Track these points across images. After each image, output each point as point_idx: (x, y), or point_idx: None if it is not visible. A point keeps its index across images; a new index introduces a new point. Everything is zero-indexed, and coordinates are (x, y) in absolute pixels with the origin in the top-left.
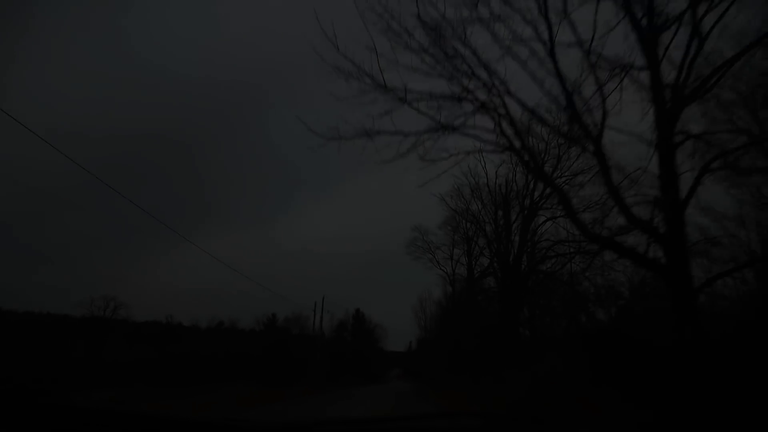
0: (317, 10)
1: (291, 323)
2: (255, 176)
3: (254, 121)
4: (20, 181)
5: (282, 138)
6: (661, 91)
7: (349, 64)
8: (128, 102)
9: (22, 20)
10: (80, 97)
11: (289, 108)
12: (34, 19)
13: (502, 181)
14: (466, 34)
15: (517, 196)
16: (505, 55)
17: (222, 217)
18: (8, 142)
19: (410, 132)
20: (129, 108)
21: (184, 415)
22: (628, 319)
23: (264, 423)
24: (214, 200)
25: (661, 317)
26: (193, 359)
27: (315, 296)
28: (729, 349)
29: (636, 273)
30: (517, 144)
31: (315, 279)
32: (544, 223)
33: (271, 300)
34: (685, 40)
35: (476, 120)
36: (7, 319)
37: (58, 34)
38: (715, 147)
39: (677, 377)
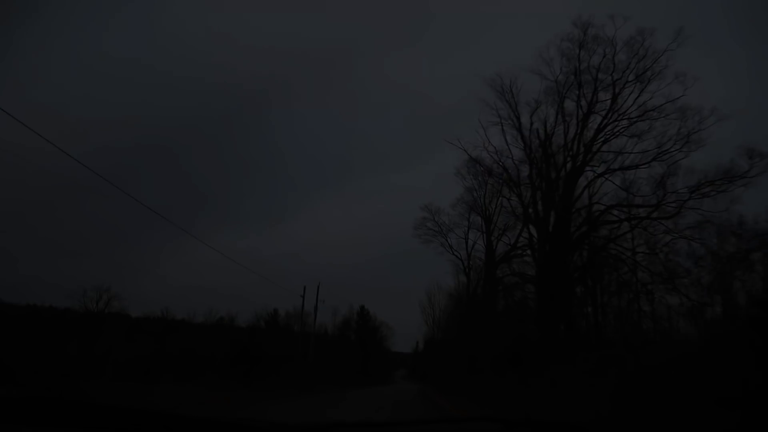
0: None
1: (292, 319)
2: (258, 176)
3: (259, 121)
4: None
5: (285, 138)
6: None
7: None
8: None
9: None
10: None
11: (293, 109)
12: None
13: (540, 125)
14: None
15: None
16: None
17: (226, 217)
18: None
19: None
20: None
21: (198, 414)
22: None
23: (279, 424)
24: (218, 200)
25: None
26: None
27: (321, 295)
28: None
29: None
30: None
31: (320, 279)
32: (598, 177)
33: (274, 297)
34: None
35: None
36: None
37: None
38: None
39: None
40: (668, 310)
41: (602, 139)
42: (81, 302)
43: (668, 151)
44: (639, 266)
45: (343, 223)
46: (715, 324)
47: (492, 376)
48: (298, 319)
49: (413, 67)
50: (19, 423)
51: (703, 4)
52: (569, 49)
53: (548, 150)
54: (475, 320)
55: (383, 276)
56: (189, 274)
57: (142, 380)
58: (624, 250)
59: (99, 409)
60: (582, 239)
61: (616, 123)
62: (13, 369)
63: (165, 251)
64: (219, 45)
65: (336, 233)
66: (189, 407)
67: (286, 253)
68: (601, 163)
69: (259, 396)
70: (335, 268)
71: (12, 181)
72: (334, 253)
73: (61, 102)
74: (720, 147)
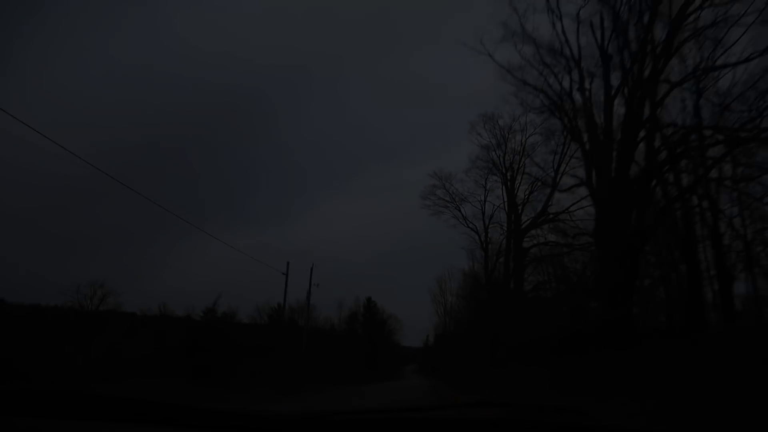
0: None
1: (297, 313)
2: (267, 175)
3: (265, 123)
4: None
5: (293, 136)
6: None
7: None
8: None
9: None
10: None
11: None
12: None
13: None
14: None
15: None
16: None
17: (234, 216)
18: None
19: None
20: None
21: (203, 406)
22: None
23: (284, 413)
24: (226, 199)
25: None
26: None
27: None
28: None
29: None
30: None
31: (326, 277)
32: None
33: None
34: None
35: None
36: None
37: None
38: None
39: None
40: None
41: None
42: (75, 299)
43: None
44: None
45: (352, 220)
46: None
47: (522, 367)
48: (302, 313)
49: (423, 60)
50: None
51: None
52: None
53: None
54: (497, 302)
55: (393, 272)
56: (196, 272)
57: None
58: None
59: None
60: (664, 167)
61: None
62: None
63: (176, 250)
64: (224, 44)
65: (345, 230)
66: None
67: (296, 250)
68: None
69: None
70: (344, 263)
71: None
72: (344, 249)
73: (68, 102)
74: None
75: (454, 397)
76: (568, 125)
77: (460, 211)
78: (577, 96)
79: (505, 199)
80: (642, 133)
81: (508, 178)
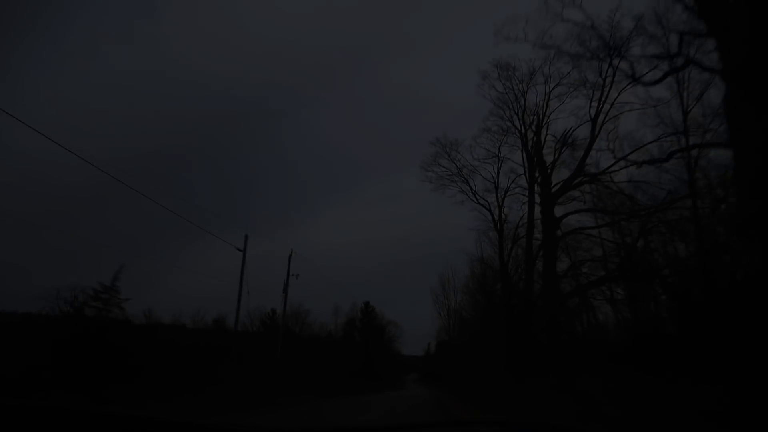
0: None
1: (290, 320)
2: (268, 184)
3: (267, 127)
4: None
5: (294, 144)
6: None
7: None
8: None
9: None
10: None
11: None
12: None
13: None
14: None
15: None
16: None
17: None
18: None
19: None
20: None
21: (195, 420)
22: None
23: (275, 429)
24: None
25: None
26: None
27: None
28: None
29: None
30: None
31: (328, 282)
32: None
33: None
34: None
35: None
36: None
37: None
38: None
39: None
40: None
41: None
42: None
43: None
44: None
45: (353, 228)
46: None
47: (552, 380)
48: (296, 319)
49: (421, 69)
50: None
51: None
52: None
53: None
54: (515, 293)
55: (393, 281)
56: (199, 280)
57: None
58: None
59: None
60: None
61: None
62: None
63: (175, 255)
64: (224, 52)
65: (346, 238)
66: None
67: (297, 256)
68: None
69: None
70: (343, 270)
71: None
72: (344, 257)
73: (68, 109)
74: None
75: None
76: None
77: (468, 184)
78: None
79: (525, 164)
80: None
81: (529, 138)
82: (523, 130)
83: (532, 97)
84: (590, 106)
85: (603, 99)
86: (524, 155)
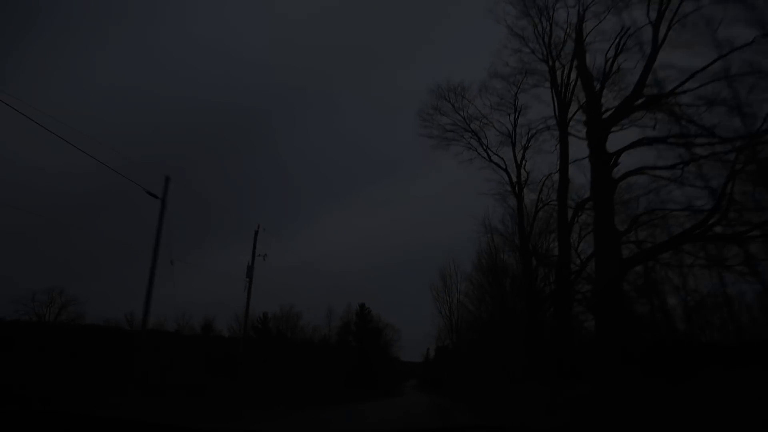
0: None
1: (281, 322)
2: (266, 192)
3: (266, 136)
4: None
5: (291, 151)
6: None
7: None
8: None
9: None
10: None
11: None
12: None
13: None
14: None
15: None
16: None
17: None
18: None
19: None
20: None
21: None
22: None
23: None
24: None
25: None
26: None
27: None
28: None
29: None
30: None
31: (326, 287)
32: None
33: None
34: None
35: None
36: None
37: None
38: None
39: None
40: None
41: None
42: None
43: None
44: None
45: (350, 233)
46: None
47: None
48: (287, 322)
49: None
50: None
51: None
52: None
53: None
54: (542, 272)
55: (391, 287)
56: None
57: None
58: None
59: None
60: None
61: None
62: None
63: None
64: (221, 61)
65: (343, 243)
66: None
67: (293, 266)
68: None
69: None
70: (339, 276)
71: None
72: (340, 262)
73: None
74: None
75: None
76: None
77: (478, 139)
78: None
79: (555, 101)
80: None
81: (557, 68)
82: (550, 62)
83: (562, 15)
84: (649, 8)
85: None
86: (553, 93)
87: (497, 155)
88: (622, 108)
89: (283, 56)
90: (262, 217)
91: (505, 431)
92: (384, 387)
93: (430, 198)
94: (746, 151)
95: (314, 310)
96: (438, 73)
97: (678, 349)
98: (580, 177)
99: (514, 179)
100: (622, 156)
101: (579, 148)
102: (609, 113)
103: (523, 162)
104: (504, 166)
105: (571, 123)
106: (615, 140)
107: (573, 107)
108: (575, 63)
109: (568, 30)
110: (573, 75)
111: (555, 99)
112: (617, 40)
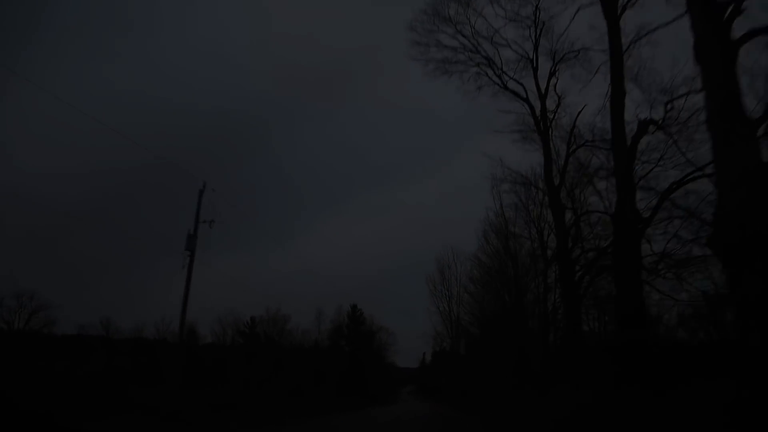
0: None
1: (267, 325)
2: (261, 200)
3: (261, 144)
4: None
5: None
6: None
7: None
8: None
9: None
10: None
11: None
12: None
13: None
14: None
15: None
16: None
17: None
18: None
19: None
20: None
21: None
22: None
23: None
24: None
25: None
26: None
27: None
28: None
29: None
30: None
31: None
32: None
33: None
34: None
35: None
36: None
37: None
38: None
39: None
40: None
41: None
42: None
43: None
44: None
45: (345, 241)
46: None
47: None
48: (275, 326)
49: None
50: None
51: None
52: None
53: None
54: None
55: (388, 294)
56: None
57: None
58: None
59: None
60: None
61: None
62: None
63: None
64: (218, 69)
65: (339, 250)
66: None
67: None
68: None
69: None
70: (335, 282)
71: None
72: (336, 270)
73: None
74: None
75: None
76: None
77: (488, 62)
78: None
79: None
80: None
81: None
82: None
83: None
84: None
85: None
86: None
87: (515, 80)
88: None
89: (283, 56)
90: (261, 218)
91: None
92: (377, 394)
93: (426, 205)
94: None
95: (306, 314)
96: None
97: None
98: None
99: (538, 112)
100: None
101: None
102: None
103: (550, 90)
104: (524, 95)
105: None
106: None
107: None
108: None
109: None
110: None
111: None
112: None
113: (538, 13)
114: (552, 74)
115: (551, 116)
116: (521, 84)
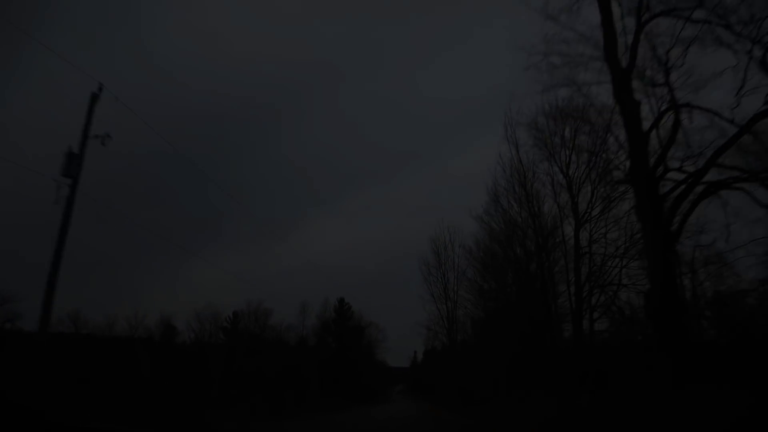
0: None
1: (248, 319)
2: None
3: (265, 133)
4: None
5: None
6: None
7: None
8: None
9: None
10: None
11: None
12: None
13: None
14: None
15: None
16: None
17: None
18: None
19: None
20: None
21: None
22: None
23: None
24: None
25: None
26: None
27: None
28: None
29: None
30: None
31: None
32: None
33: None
34: None
35: None
36: None
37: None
38: None
39: None
40: None
41: None
42: None
43: None
44: None
45: (342, 237)
46: None
47: None
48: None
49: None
50: None
51: None
52: None
53: None
54: None
55: (381, 293)
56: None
57: None
58: None
59: None
60: None
61: None
62: None
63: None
64: (222, 60)
65: (334, 248)
66: None
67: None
68: None
69: None
70: (332, 281)
71: None
72: (331, 268)
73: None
74: None
75: None
76: None
77: None
78: None
79: None
80: None
81: None
82: None
83: None
84: None
85: None
86: None
87: None
88: None
89: (282, 55)
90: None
91: None
92: (366, 393)
93: (424, 207)
94: None
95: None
96: None
97: None
98: None
99: None
100: None
101: None
102: None
103: None
104: None
105: None
106: None
107: None
108: None
109: None
110: None
111: None
112: None
113: None
114: None
115: None
116: None
